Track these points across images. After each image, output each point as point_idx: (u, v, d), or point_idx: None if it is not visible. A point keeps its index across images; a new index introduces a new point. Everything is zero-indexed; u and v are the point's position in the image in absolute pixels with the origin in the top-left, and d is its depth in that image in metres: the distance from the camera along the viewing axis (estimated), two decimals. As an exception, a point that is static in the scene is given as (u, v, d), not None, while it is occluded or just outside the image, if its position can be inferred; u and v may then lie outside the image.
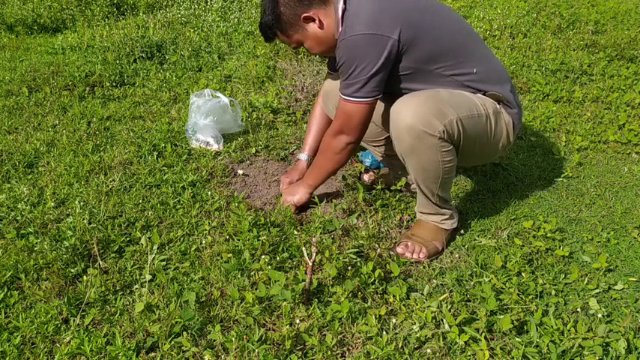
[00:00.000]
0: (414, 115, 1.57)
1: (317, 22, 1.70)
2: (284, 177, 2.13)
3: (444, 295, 1.52)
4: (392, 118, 1.64)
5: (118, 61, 3.56)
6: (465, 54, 1.71)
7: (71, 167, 2.25)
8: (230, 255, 1.68)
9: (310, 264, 1.43)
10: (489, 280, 1.59)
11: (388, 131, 2.03)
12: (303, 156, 2.14)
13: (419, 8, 1.67)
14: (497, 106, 1.76)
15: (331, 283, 1.59)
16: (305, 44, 1.77)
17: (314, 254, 1.42)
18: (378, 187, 2.13)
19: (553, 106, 2.91)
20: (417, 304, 1.50)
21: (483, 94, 1.75)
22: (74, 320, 1.45)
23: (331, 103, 2.00)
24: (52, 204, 1.95)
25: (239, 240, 1.75)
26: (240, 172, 2.28)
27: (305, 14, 1.68)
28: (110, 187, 2.09)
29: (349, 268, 1.60)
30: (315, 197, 1.95)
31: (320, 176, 1.92)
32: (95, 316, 1.47)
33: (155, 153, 2.37)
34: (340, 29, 1.68)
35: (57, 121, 2.75)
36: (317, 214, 1.93)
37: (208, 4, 5.13)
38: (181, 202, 2.02)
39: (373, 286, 1.56)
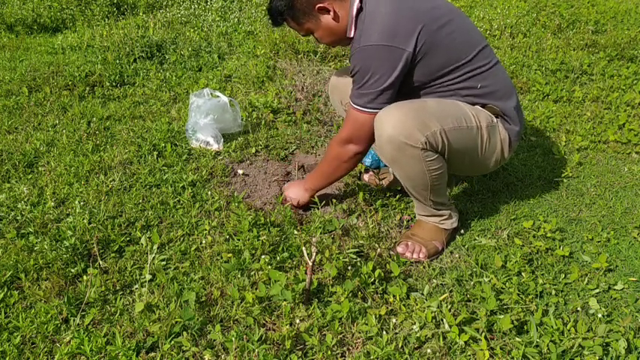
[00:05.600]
0: (395, 126, 1.55)
1: (332, 13, 1.67)
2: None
3: (444, 295, 1.52)
4: (375, 127, 1.62)
5: (118, 61, 3.56)
6: (474, 69, 1.68)
7: (71, 167, 2.25)
8: (230, 255, 1.68)
9: (310, 264, 1.43)
10: (489, 280, 1.59)
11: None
12: None
13: (435, 16, 1.61)
14: (494, 120, 1.72)
15: (331, 283, 1.59)
16: (315, 34, 1.75)
17: (314, 254, 1.42)
18: (378, 186, 2.14)
19: (553, 106, 2.91)
20: (417, 304, 1.50)
21: (482, 107, 1.73)
22: (74, 320, 1.45)
23: (336, 97, 2.02)
24: (52, 204, 1.95)
25: (239, 240, 1.75)
26: (240, 172, 2.28)
27: (320, 4, 1.65)
28: (110, 187, 2.10)
29: (349, 268, 1.60)
30: (315, 197, 1.95)
31: (323, 182, 1.90)
32: (95, 316, 1.47)
33: (155, 153, 2.37)
34: (354, 30, 1.66)
35: (57, 121, 2.75)
36: (317, 214, 1.93)
37: (208, 4, 5.13)
38: (181, 202, 2.02)
39: (373, 286, 1.56)
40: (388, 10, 1.58)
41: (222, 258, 1.69)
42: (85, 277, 1.60)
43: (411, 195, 1.75)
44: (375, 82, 1.59)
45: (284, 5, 1.68)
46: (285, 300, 1.46)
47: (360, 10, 1.64)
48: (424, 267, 1.71)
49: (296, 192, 1.97)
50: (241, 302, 1.49)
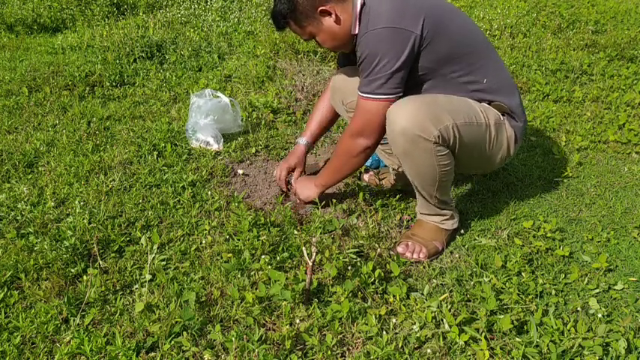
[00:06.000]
0: (408, 118, 1.56)
1: (333, 16, 1.67)
2: (282, 163, 2.10)
3: (444, 295, 1.52)
4: (388, 120, 1.62)
5: (118, 61, 3.56)
6: (479, 61, 1.70)
7: (71, 167, 2.25)
8: (230, 255, 1.68)
9: (310, 264, 1.43)
10: (489, 280, 1.59)
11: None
12: (302, 140, 2.10)
13: (439, 7, 1.66)
14: (501, 117, 1.74)
15: (331, 283, 1.59)
16: (318, 37, 1.74)
17: (314, 254, 1.42)
18: (378, 186, 2.14)
19: (553, 106, 2.91)
20: (417, 304, 1.50)
21: (488, 104, 1.74)
22: (74, 320, 1.45)
23: (338, 97, 2.00)
24: (52, 204, 1.95)
25: (239, 240, 1.75)
26: (240, 172, 2.28)
27: (322, 7, 1.66)
28: (110, 187, 2.10)
29: (349, 268, 1.60)
30: (316, 198, 1.94)
31: (334, 178, 1.90)
32: (95, 316, 1.47)
33: (155, 153, 2.37)
34: (358, 25, 1.66)
35: (57, 121, 2.75)
36: (317, 214, 1.93)
37: (208, 4, 5.13)
38: (181, 202, 2.02)
39: (373, 286, 1.56)
40: (390, 3, 1.61)
41: (222, 258, 1.69)
42: (85, 277, 1.60)
43: (417, 192, 1.75)
44: (383, 66, 1.59)
45: (287, 8, 1.68)
46: (285, 300, 1.46)
47: (363, 6, 1.65)
48: (424, 267, 1.71)
49: (305, 186, 1.97)
50: (241, 302, 1.49)
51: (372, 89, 1.63)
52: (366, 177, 2.24)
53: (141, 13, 4.96)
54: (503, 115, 1.75)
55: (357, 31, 1.67)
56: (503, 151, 1.77)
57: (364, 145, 1.74)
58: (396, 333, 1.42)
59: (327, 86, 2.10)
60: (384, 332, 1.39)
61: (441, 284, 1.62)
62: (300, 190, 1.99)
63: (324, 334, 1.41)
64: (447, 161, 1.63)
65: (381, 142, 2.08)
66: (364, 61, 1.63)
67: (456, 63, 1.67)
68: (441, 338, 1.39)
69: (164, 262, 1.69)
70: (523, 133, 1.82)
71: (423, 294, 1.54)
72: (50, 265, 1.65)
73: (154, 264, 1.64)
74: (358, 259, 1.66)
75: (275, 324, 1.44)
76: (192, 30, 4.32)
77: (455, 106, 1.64)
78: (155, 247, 1.68)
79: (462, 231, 1.87)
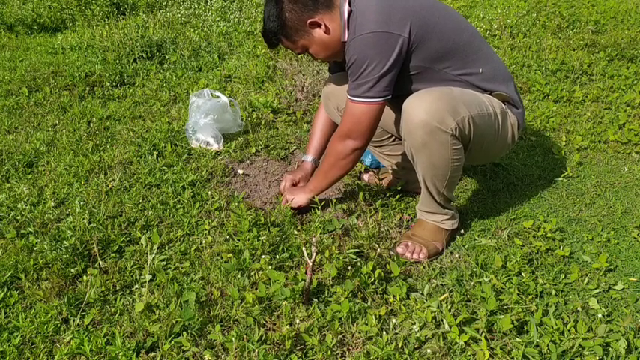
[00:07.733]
0: (427, 110, 1.56)
1: (323, 27, 1.68)
2: (287, 175, 2.08)
3: (444, 295, 1.52)
4: (405, 113, 1.62)
5: (118, 61, 3.56)
6: (471, 53, 1.71)
7: (71, 167, 2.25)
8: (230, 255, 1.68)
9: (310, 264, 1.43)
10: (489, 280, 1.59)
11: (390, 132, 2.03)
12: (308, 157, 2.09)
13: (425, 7, 1.67)
14: (503, 105, 1.76)
15: (331, 283, 1.59)
16: (310, 50, 1.75)
17: (314, 254, 1.42)
18: (378, 186, 2.14)
19: (553, 106, 2.91)
20: (417, 304, 1.50)
21: (490, 94, 1.75)
22: (74, 320, 1.45)
23: (332, 104, 1.99)
24: (52, 204, 1.95)
25: (239, 240, 1.75)
26: (240, 172, 2.28)
27: (311, 19, 1.66)
28: (110, 186, 2.09)
29: (349, 267, 1.60)
30: (315, 197, 1.94)
31: (324, 183, 1.88)
32: (95, 316, 1.47)
33: (155, 153, 2.37)
34: (347, 32, 1.67)
35: (57, 121, 2.75)
36: (317, 214, 1.93)
37: (208, 4, 5.14)
38: (181, 202, 2.02)
39: (373, 286, 1.56)
40: (379, 5, 1.62)
41: (222, 258, 1.69)
42: (85, 277, 1.60)
43: (425, 187, 1.73)
44: (372, 70, 1.60)
45: (276, 25, 1.69)
46: (285, 300, 1.46)
47: (350, 12, 1.66)
48: (424, 267, 1.71)
49: (296, 193, 1.94)
50: (241, 302, 1.49)
51: (361, 92, 1.64)
52: (366, 177, 2.24)
53: (141, 13, 4.96)
54: (504, 103, 1.77)
55: (346, 39, 1.68)
56: (508, 140, 1.80)
57: (352, 147, 1.74)
58: (396, 333, 1.42)
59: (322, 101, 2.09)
60: (384, 332, 1.39)
61: (441, 284, 1.62)
62: (291, 196, 1.94)
63: (324, 334, 1.41)
64: (459, 156, 1.65)
65: (378, 145, 2.09)
66: (353, 65, 1.63)
67: (448, 59, 1.68)
68: (441, 338, 1.39)
69: (164, 262, 1.69)
70: (524, 119, 1.85)
71: (423, 294, 1.54)
72: (50, 265, 1.65)
73: (154, 264, 1.64)
74: (358, 259, 1.66)
75: (275, 324, 1.44)
76: (192, 30, 4.32)
77: (468, 98, 1.65)
78: (155, 247, 1.68)
79: (462, 231, 1.87)
